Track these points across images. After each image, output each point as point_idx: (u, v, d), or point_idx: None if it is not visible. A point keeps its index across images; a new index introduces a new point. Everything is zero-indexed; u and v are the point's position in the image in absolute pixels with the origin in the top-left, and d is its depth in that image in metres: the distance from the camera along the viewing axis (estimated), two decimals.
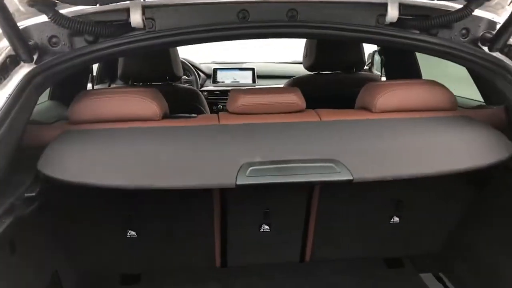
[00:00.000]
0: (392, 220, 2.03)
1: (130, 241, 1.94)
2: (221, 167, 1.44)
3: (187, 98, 2.81)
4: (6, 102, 1.30)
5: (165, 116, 1.71)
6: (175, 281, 2.08)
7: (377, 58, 3.30)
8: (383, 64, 3.06)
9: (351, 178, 1.40)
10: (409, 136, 1.58)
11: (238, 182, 1.39)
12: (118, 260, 2.06)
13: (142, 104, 1.64)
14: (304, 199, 1.95)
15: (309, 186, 1.91)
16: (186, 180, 1.43)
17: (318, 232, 2.05)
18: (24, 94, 1.35)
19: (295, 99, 1.75)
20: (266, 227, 2.01)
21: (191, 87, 3.27)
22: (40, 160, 1.43)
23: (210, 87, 3.92)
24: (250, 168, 1.40)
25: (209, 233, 1.99)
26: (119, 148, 1.49)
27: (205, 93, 3.78)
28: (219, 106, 3.80)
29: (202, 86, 3.94)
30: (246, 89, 1.86)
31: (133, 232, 1.92)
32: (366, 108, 1.79)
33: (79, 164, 1.44)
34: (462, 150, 1.52)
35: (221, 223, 1.98)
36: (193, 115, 1.76)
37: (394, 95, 1.73)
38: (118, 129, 1.58)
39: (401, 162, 1.49)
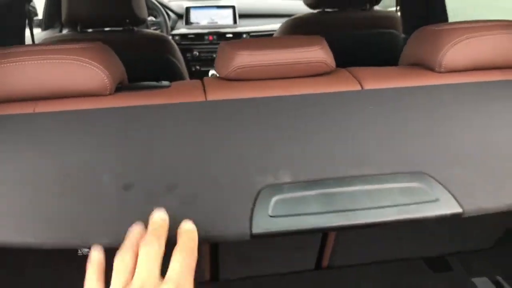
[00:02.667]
0: None
1: None
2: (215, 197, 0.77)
3: (154, 47, 2.13)
4: None
5: (119, 88, 1.08)
6: None
7: None
8: None
9: (460, 210, 0.77)
10: None
11: (255, 230, 0.71)
12: None
13: (80, 69, 0.99)
14: None
15: None
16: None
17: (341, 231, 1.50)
18: None
19: (322, 54, 1.14)
20: None
21: (159, 33, 2.59)
22: None
23: (182, 29, 3.24)
24: (275, 198, 0.74)
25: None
26: (18, 156, 0.83)
27: (176, 37, 3.18)
28: (195, 53, 3.18)
29: (172, 28, 3.27)
30: (243, 41, 1.21)
31: None
32: (423, 65, 1.20)
33: None
34: None
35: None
36: (165, 82, 1.14)
37: (471, 45, 1.13)
38: (29, 117, 0.95)
39: None
